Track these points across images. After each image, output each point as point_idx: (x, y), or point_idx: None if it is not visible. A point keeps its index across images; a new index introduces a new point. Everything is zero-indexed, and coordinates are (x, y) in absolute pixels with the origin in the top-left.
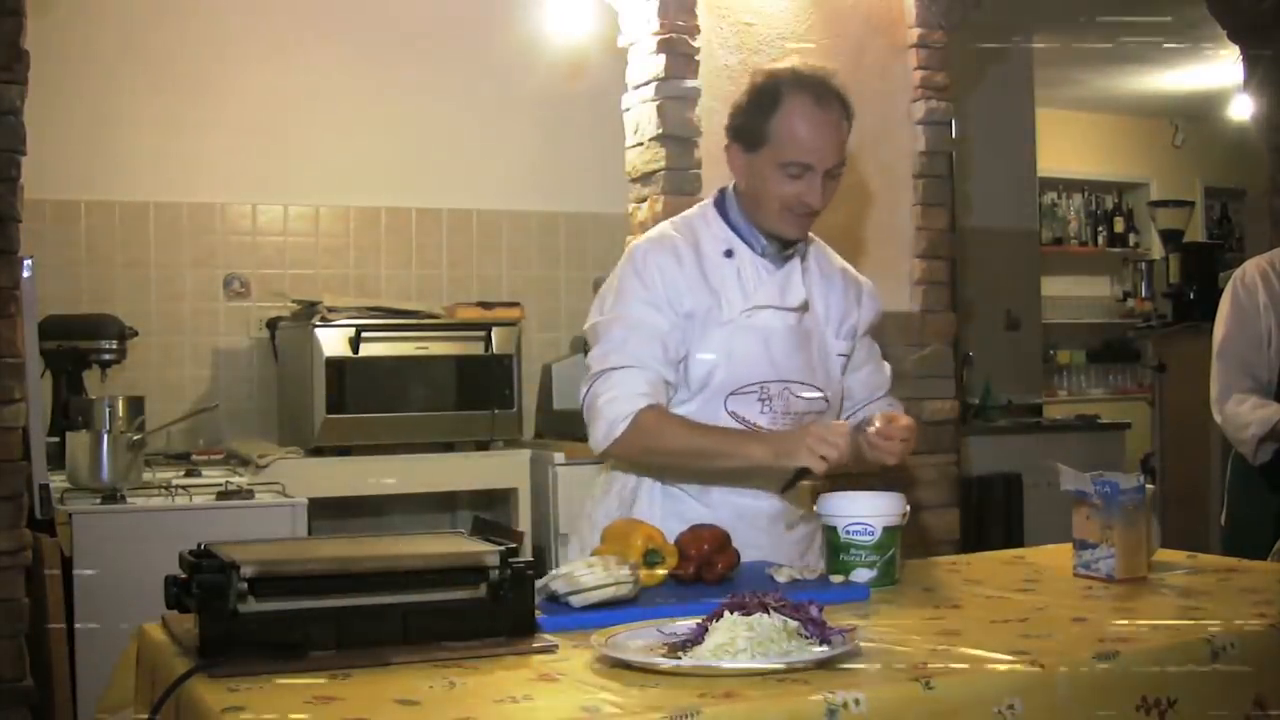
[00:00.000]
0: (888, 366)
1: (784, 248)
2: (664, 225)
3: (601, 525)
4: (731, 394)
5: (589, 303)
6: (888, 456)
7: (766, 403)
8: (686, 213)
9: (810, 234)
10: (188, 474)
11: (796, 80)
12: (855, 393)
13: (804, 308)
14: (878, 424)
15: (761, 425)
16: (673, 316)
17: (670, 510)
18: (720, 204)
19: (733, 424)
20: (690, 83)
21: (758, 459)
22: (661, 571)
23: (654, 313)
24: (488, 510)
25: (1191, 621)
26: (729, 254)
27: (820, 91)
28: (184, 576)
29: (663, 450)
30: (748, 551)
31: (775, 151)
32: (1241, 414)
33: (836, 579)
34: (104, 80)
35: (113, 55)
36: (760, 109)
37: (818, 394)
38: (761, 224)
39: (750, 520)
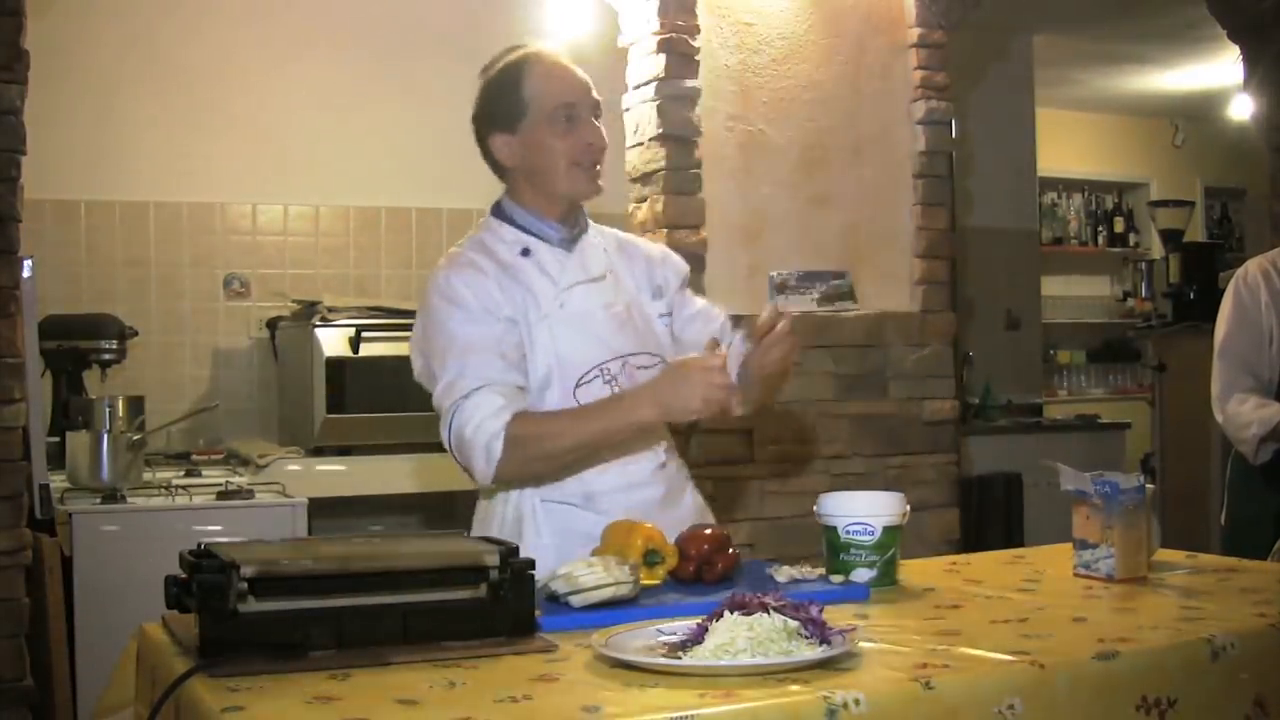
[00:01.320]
0: (717, 308)
1: (573, 229)
2: (453, 250)
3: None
4: (577, 385)
5: None
6: (779, 353)
7: (612, 383)
8: (468, 235)
9: (590, 220)
10: (188, 474)
11: (525, 51)
12: (700, 342)
13: (605, 275)
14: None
15: None
16: (496, 324)
17: (560, 527)
18: (500, 213)
19: None
20: (690, 83)
21: (649, 419)
22: (661, 571)
23: (477, 326)
24: None
25: (1191, 621)
26: (525, 253)
27: (548, 49)
28: (184, 576)
29: (548, 454)
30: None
31: (538, 110)
32: (1243, 414)
33: (836, 579)
34: (104, 80)
35: (113, 55)
36: (508, 86)
37: (655, 360)
38: (554, 193)
39: (643, 512)
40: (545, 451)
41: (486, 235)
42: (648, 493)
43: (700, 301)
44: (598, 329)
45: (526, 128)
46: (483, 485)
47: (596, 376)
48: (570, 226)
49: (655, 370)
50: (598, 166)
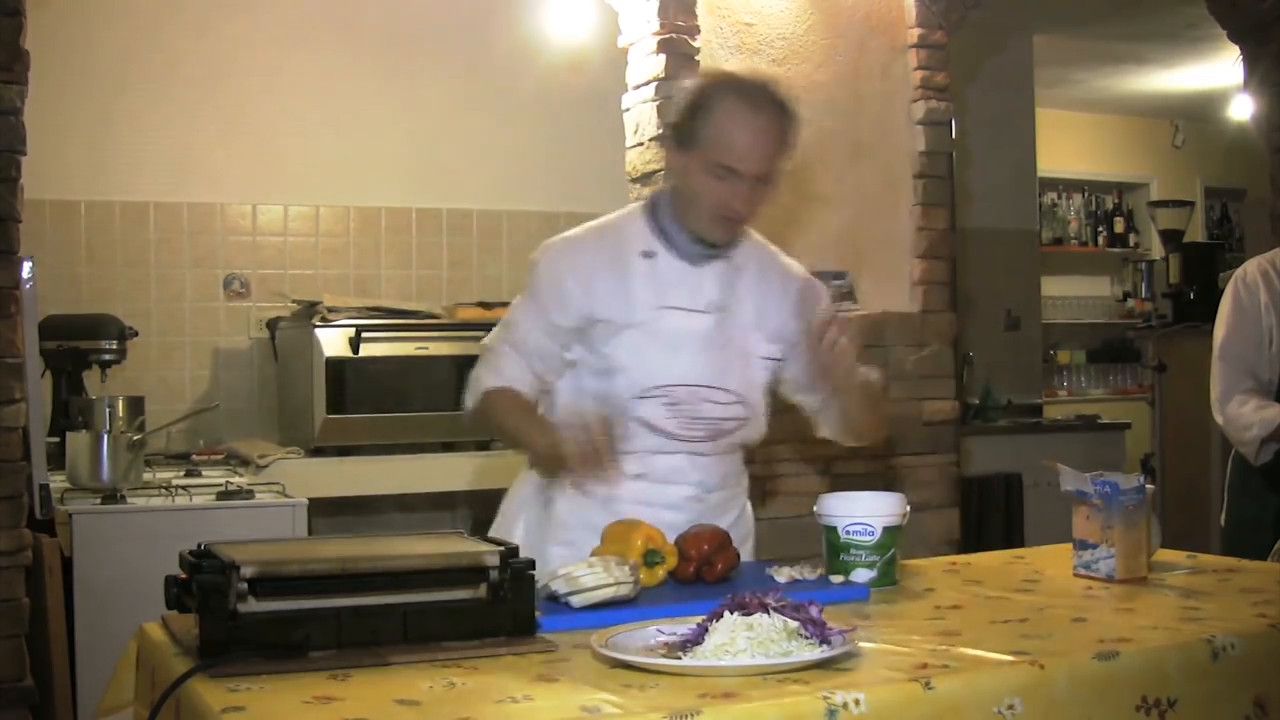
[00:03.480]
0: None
1: (708, 249)
2: (586, 225)
3: (515, 517)
4: (638, 398)
5: None
6: (830, 360)
7: (673, 407)
8: (616, 213)
9: (755, 236)
10: (188, 474)
11: (733, 84)
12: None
13: (714, 309)
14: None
15: (670, 430)
16: (558, 325)
17: (581, 519)
18: (650, 207)
19: (637, 428)
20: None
21: (534, 449)
22: (661, 571)
23: (539, 318)
24: (487, 510)
25: (1191, 621)
26: (647, 255)
27: (756, 97)
28: (184, 576)
29: (490, 428)
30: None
31: (705, 153)
32: (1243, 415)
33: (836, 579)
34: (104, 80)
35: (113, 55)
36: (694, 110)
37: (732, 399)
38: (690, 225)
39: (666, 505)
40: (489, 427)
41: (624, 222)
42: (668, 516)
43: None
44: (679, 355)
45: (692, 158)
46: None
47: (660, 396)
48: (706, 248)
49: (727, 408)
50: (738, 222)
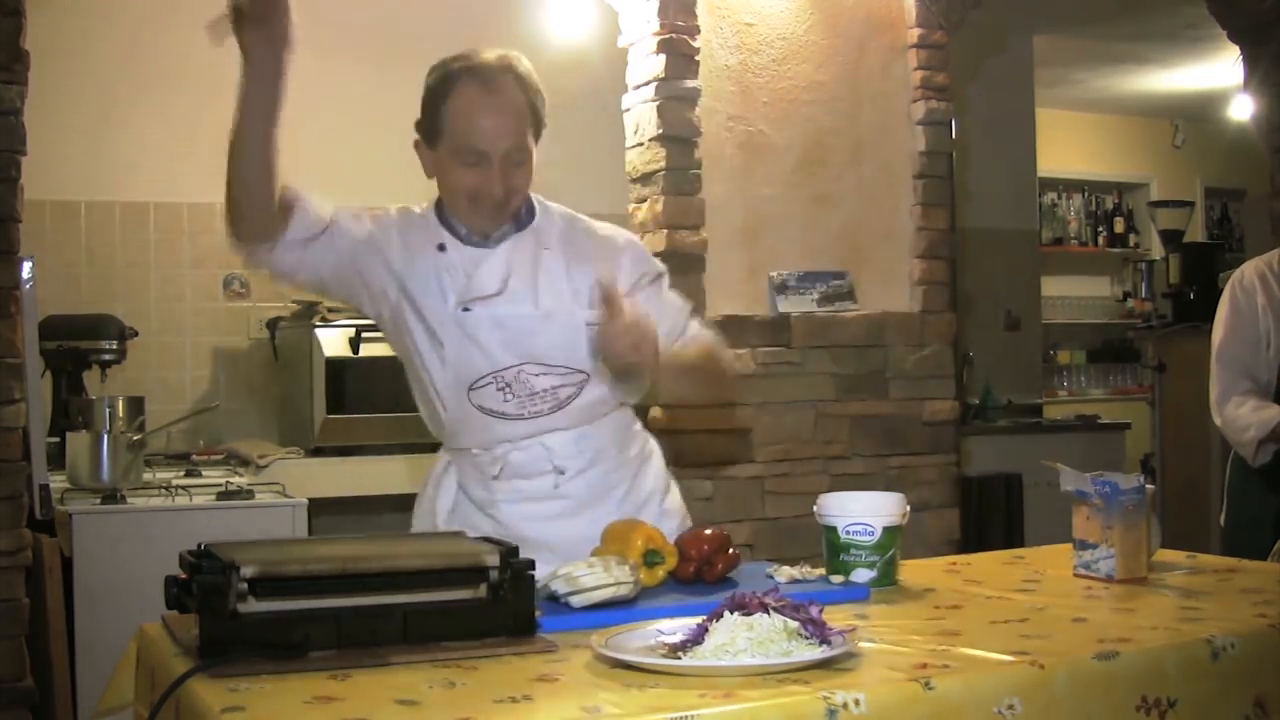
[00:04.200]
0: (678, 301)
1: (496, 230)
2: (383, 211)
3: (421, 517)
4: (470, 389)
5: None
6: (618, 345)
7: (506, 389)
8: (409, 207)
9: (553, 208)
10: (188, 474)
11: (466, 67)
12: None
13: (504, 287)
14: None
15: (510, 412)
16: (356, 237)
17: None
18: (437, 201)
19: (483, 418)
20: (690, 83)
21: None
22: (661, 572)
23: (357, 230)
24: None
25: (1191, 622)
26: (441, 248)
27: (489, 75)
28: (184, 576)
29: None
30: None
31: (450, 141)
32: (1241, 416)
33: (836, 579)
34: (104, 80)
35: (113, 55)
36: (434, 100)
37: (562, 369)
38: (460, 219)
39: (544, 525)
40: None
41: (414, 214)
42: (545, 507)
43: (662, 298)
44: (494, 342)
45: (439, 150)
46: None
47: (490, 383)
48: (492, 228)
49: (561, 377)
50: (501, 207)
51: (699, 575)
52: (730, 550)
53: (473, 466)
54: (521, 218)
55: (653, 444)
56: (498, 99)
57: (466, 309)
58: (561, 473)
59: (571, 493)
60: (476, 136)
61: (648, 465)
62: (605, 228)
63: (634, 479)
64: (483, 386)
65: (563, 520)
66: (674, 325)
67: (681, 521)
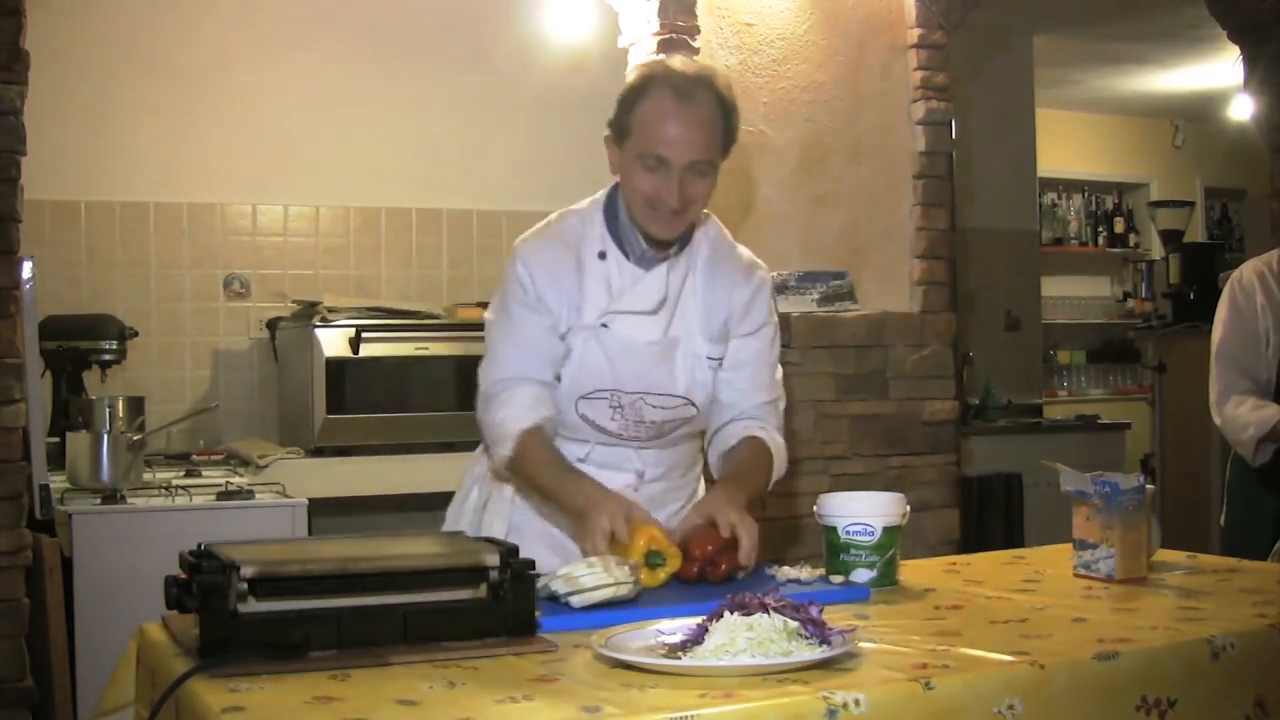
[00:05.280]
0: (777, 373)
1: (658, 249)
2: (553, 218)
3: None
4: (582, 396)
5: None
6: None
7: (618, 410)
8: (579, 205)
9: (714, 232)
10: (188, 474)
11: (664, 74)
12: (722, 396)
13: (662, 309)
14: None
15: (612, 431)
16: (549, 318)
17: (518, 521)
18: (607, 203)
19: (582, 423)
20: None
21: (566, 515)
22: (664, 574)
23: (532, 316)
24: None
25: (1191, 622)
26: (602, 256)
27: (685, 86)
28: (184, 576)
29: (528, 484)
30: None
31: (636, 144)
32: (1240, 415)
33: (836, 579)
34: (104, 80)
35: (113, 55)
36: (627, 101)
37: (677, 403)
38: (636, 222)
39: None
40: (526, 481)
41: (585, 219)
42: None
43: (762, 357)
44: (622, 361)
45: (626, 150)
46: (496, 464)
47: (604, 399)
48: (657, 247)
49: (672, 411)
50: (680, 213)
51: (702, 575)
52: (734, 551)
53: None
54: (676, 243)
55: (699, 470)
56: (689, 110)
57: (605, 325)
58: (641, 475)
59: (646, 493)
60: (661, 144)
61: (699, 490)
62: (746, 254)
63: (688, 499)
64: (597, 399)
65: None
66: (757, 383)
67: None
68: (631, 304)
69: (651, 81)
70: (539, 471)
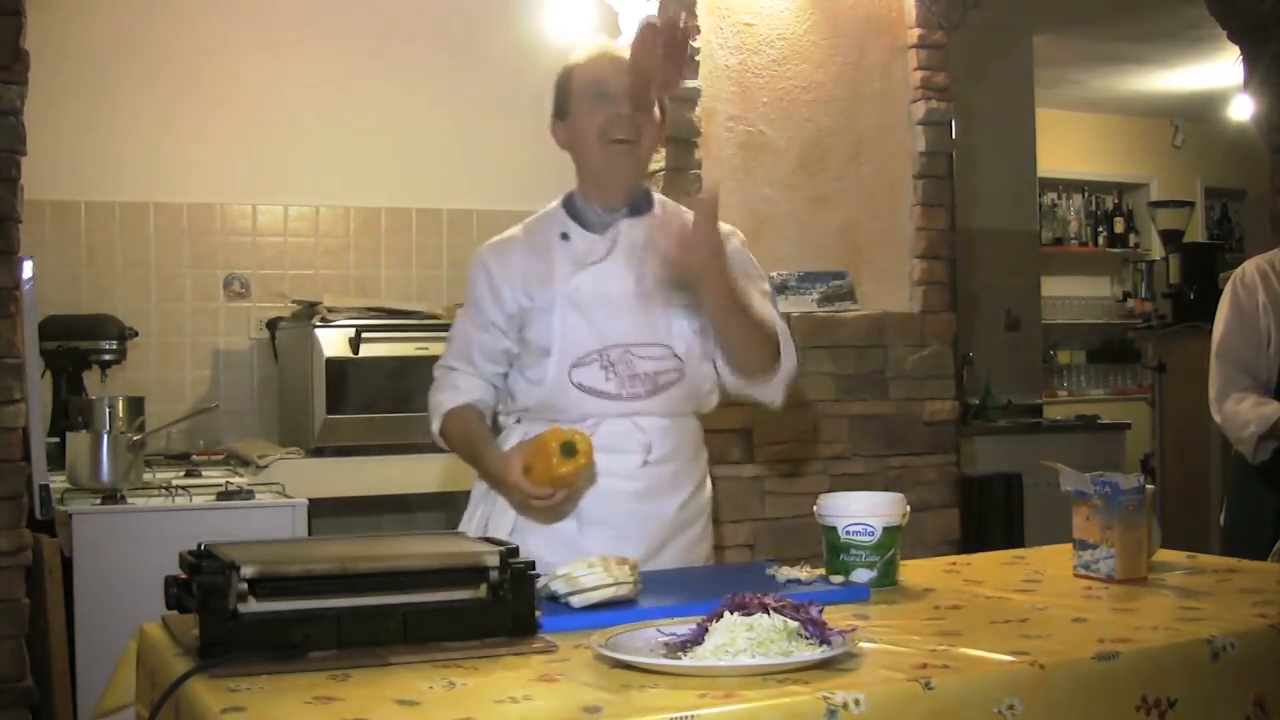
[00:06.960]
0: (766, 292)
1: (613, 213)
2: (515, 227)
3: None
4: (574, 365)
5: None
6: (694, 253)
7: (609, 369)
8: (542, 210)
9: (666, 204)
10: (188, 474)
11: (581, 56)
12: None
13: (627, 262)
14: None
15: (609, 391)
16: (494, 322)
17: (524, 522)
18: (566, 196)
19: (580, 395)
20: (690, 83)
21: (488, 479)
22: (583, 459)
23: (478, 313)
24: None
25: (1191, 622)
26: (565, 237)
27: (601, 51)
28: (184, 576)
29: (461, 457)
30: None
31: (577, 99)
32: (1241, 413)
33: (836, 579)
34: (104, 80)
35: (113, 55)
36: (561, 86)
37: (664, 351)
38: (596, 174)
39: (616, 502)
40: (452, 449)
41: (541, 215)
42: (619, 485)
43: (753, 267)
44: (601, 317)
45: (570, 113)
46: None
47: (595, 361)
48: (611, 211)
49: (661, 362)
50: (634, 144)
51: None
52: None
53: None
54: (640, 204)
55: (704, 460)
56: (617, 56)
57: (577, 284)
58: (648, 450)
59: (655, 476)
60: (598, 80)
61: (706, 480)
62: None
63: (697, 488)
64: (587, 364)
65: (644, 502)
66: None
67: (710, 551)
68: (588, 257)
69: (574, 64)
70: (460, 447)
